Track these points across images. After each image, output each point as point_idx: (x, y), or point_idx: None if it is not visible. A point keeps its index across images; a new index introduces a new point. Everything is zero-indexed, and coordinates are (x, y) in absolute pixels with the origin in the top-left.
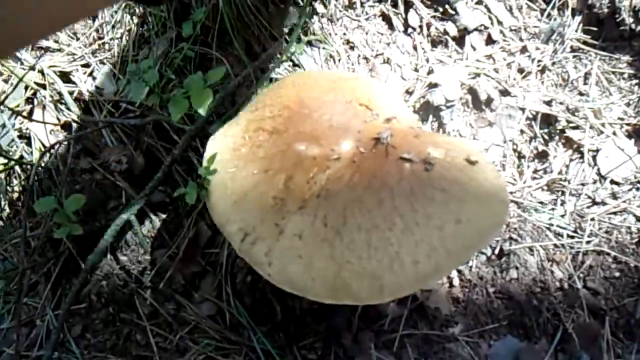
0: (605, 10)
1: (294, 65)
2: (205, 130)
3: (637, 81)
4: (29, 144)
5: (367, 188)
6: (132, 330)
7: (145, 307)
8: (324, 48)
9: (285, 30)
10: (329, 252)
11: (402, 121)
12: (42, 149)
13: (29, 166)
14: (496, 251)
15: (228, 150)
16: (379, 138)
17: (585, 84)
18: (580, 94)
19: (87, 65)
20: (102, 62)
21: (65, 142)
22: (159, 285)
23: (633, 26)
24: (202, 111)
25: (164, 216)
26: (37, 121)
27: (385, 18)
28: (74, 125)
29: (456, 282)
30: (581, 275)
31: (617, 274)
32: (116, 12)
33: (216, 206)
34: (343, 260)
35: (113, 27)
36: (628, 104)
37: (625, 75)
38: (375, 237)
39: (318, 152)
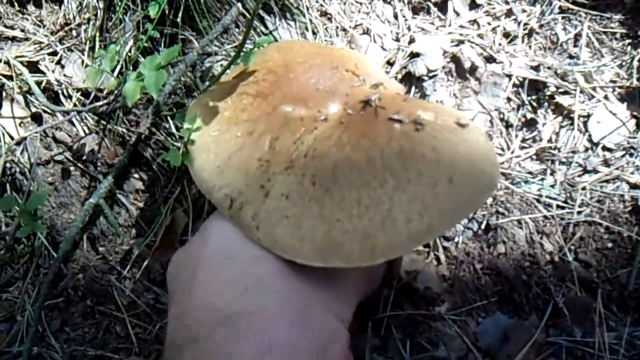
0: None
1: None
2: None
3: (629, 41)
4: None
5: (355, 147)
6: (111, 322)
7: (124, 298)
8: (300, 21)
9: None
10: (318, 211)
11: (388, 88)
12: (12, 143)
13: None
14: (483, 226)
15: (210, 113)
16: (368, 100)
17: (575, 46)
18: (570, 56)
19: (54, 54)
20: (69, 49)
21: (36, 134)
22: (137, 276)
23: None
24: (154, 94)
25: (140, 204)
26: (5, 117)
27: None
28: (45, 115)
29: (442, 259)
30: (572, 247)
31: (609, 245)
32: None
33: (200, 172)
34: (333, 219)
35: (79, 12)
36: (620, 66)
37: (618, 35)
38: (367, 195)
39: (305, 113)
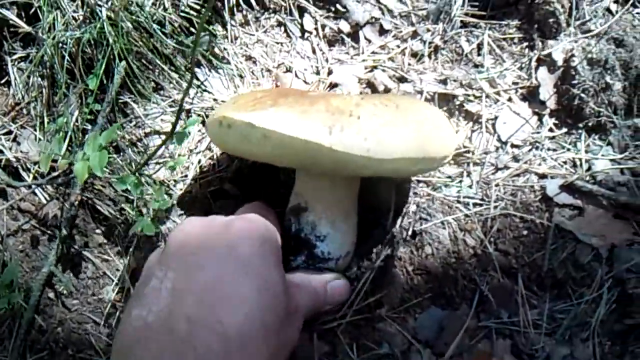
0: None
1: (203, 91)
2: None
3: (527, 44)
4: None
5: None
6: None
7: (101, 342)
8: (227, 68)
9: (188, 60)
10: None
11: None
12: None
13: None
14: (410, 232)
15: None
16: None
17: (479, 55)
18: (475, 65)
19: (9, 133)
20: (22, 126)
21: (3, 209)
22: (110, 321)
23: None
24: (98, 173)
25: (105, 256)
26: None
27: (282, 27)
28: (8, 190)
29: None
30: (492, 239)
31: (524, 233)
32: (29, 76)
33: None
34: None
35: (27, 91)
36: (521, 68)
37: (516, 40)
38: None
39: None
